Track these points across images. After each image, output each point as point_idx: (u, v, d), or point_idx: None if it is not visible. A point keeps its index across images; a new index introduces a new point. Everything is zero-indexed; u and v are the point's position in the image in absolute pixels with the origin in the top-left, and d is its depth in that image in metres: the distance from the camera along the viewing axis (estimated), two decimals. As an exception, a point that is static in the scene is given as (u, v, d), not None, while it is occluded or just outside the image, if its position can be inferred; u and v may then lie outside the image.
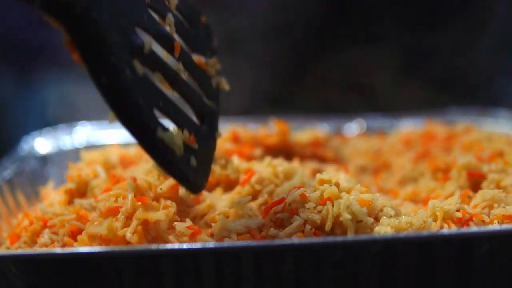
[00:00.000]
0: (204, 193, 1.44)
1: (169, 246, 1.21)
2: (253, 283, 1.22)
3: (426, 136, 1.92)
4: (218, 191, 1.48)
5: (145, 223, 1.25)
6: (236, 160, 1.56)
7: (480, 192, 1.39)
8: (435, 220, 1.29)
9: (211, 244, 1.23)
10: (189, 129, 1.25)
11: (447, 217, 1.29)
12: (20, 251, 1.33)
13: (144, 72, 1.19)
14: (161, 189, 1.37)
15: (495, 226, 1.30)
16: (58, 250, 1.25)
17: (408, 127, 2.11)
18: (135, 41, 1.20)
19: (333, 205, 1.26)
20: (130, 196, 1.30)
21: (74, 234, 1.33)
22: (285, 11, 3.05)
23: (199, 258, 1.21)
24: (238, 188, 1.45)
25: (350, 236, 1.24)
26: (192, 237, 1.27)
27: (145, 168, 1.46)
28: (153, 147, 1.17)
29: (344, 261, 1.21)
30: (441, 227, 1.28)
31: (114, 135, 2.07)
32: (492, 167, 1.51)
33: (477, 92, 2.92)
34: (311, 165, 1.69)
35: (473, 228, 1.29)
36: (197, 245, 1.21)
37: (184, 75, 1.33)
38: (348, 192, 1.32)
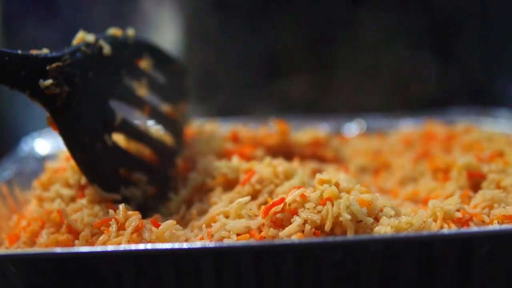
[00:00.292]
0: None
1: (169, 246, 1.21)
2: (253, 283, 1.22)
3: (426, 136, 1.92)
4: (218, 191, 1.48)
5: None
6: (236, 160, 1.56)
7: (480, 192, 1.39)
8: (435, 220, 1.29)
9: (211, 244, 1.23)
10: (149, 177, 1.57)
11: (447, 217, 1.29)
12: (19, 251, 1.33)
13: (112, 143, 1.51)
14: None
15: (495, 226, 1.29)
16: (58, 250, 1.25)
17: (408, 127, 2.11)
18: (108, 117, 1.51)
19: (333, 205, 1.26)
20: (121, 207, 1.32)
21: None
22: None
23: (199, 258, 1.21)
24: (238, 188, 1.45)
25: (350, 236, 1.23)
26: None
27: None
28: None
29: (344, 261, 1.21)
30: (441, 227, 1.28)
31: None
32: (492, 167, 1.51)
33: (477, 92, 2.92)
34: (311, 165, 1.69)
35: (473, 228, 1.29)
36: (197, 245, 1.21)
37: (153, 126, 1.69)
38: (348, 192, 1.32)
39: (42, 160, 1.94)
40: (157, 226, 1.30)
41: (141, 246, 1.22)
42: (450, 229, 1.27)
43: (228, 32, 2.88)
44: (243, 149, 1.69)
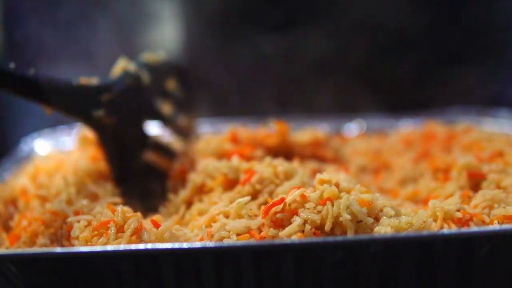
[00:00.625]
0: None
1: (169, 245, 1.21)
2: (253, 283, 1.22)
3: (426, 136, 1.91)
4: (218, 191, 1.48)
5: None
6: (236, 160, 1.56)
7: (480, 192, 1.39)
8: (435, 220, 1.29)
9: (211, 244, 1.23)
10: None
11: (447, 217, 1.29)
12: (19, 251, 1.33)
13: (143, 160, 1.70)
14: None
15: (495, 226, 1.29)
16: (58, 249, 1.25)
17: (408, 127, 2.11)
18: (142, 137, 1.71)
19: (333, 205, 1.26)
20: (119, 208, 1.32)
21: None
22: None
23: (199, 258, 1.21)
24: (238, 188, 1.44)
25: (350, 236, 1.23)
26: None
27: None
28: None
29: (344, 261, 1.21)
30: (441, 227, 1.28)
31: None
32: (492, 167, 1.51)
33: (477, 92, 2.92)
34: (311, 165, 1.68)
35: (473, 228, 1.29)
36: (197, 245, 1.21)
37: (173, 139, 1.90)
38: (348, 192, 1.32)
39: (40, 158, 1.94)
40: (157, 226, 1.29)
41: (141, 246, 1.22)
42: (450, 229, 1.27)
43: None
44: (242, 149, 1.69)
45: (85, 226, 1.32)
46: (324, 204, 1.27)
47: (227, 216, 1.35)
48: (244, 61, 2.82)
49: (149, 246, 1.21)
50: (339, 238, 1.23)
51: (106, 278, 1.22)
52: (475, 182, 1.50)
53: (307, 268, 1.22)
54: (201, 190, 1.51)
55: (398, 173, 1.74)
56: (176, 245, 1.21)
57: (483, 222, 1.30)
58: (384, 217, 1.29)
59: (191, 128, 1.96)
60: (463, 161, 1.53)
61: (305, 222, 1.25)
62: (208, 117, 2.23)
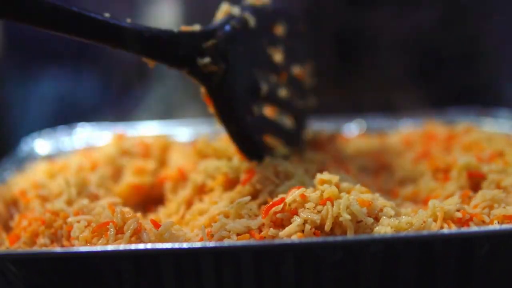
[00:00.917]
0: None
1: (169, 245, 1.21)
2: (253, 283, 1.22)
3: (426, 136, 1.91)
4: (218, 191, 1.48)
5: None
6: (236, 160, 1.56)
7: (480, 192, 1.39)
8: (435, 220, 1.29)
9: (210, 243, 1.23)
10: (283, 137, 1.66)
11: (447, 217, 1.29)
12: (19, 251, 1.33)
13: (259, 112, 1.58)
14: None
15: (495, 226, 1.29)
16: (58, 249, 1.25)
17: (408, 127, 2.11)
18: (254, 87, 1.55)
19: (333, 205, 1.26)
20: (118, 209, 1.32)
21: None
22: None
23: (199, 258, 1.21)
24: (238, 188, 1.45)
25: (350, 236, 1.23)
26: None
27: None
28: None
29: (344, 261, 1.21)
30: (441, 227, 1.28)
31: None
32: (492, 167, 1.51)
33: (477, 92, 2.92)
34: (311, 165, 1.68)
35: (473, 228, 1.29)
36: (197, 245, 1.21)
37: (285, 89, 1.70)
38: (348, 192, 1.32)
39: (42, 160, 1.94)
40: (157, 226, 1.29)
41: (141, 246, 1.22)
42: (450, 229, 1.27)
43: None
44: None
45: (85, 226, 1.32)
46: (324, 204, 1.27)
47: (227, 216, 1.35)
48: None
49: (149, 246, 1.22)
50: (339, 238, 1.23)
51: (106, 278, 1.22)
52: (475, 182, 1.50)
53: (307, 268, 1.22)
54: (202, 190, 1.52)
55: (398, 173, 1.73)
56: (176, 245, 1.21)
57: (483, 222, 1.30)
58: (384, 217, 1.29)
59: (306, 78, 1.79)
60: (463, 161, 1.53)
61: (305, 222, 1.25)
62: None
